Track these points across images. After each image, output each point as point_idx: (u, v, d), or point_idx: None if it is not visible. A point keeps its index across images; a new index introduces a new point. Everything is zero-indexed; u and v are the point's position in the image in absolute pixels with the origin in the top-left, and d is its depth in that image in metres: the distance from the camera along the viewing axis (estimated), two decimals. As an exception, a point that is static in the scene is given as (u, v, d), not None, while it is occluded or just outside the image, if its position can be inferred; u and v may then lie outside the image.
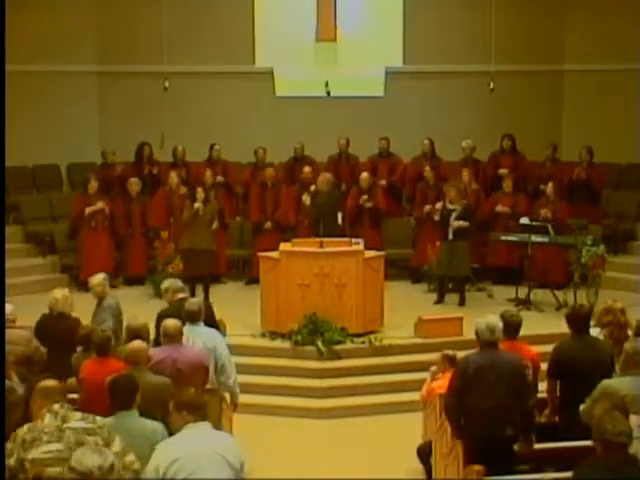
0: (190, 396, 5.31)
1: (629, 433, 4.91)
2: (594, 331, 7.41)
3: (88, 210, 13.09)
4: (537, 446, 6.53)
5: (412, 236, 13.80)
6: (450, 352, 8.44)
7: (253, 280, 12.96)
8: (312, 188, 12.51)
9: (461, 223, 12.02)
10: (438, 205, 12.37)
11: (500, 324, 6.60)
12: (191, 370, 7.04)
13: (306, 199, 12.70)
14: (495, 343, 6.52)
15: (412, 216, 13.85)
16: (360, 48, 15.19)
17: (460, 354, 9.64)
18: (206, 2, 15.11)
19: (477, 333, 6.58)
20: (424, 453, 7.92)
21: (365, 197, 13.35)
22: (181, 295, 8.57)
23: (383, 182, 14.06)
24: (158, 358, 6.97)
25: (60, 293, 8.59)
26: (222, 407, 8.01)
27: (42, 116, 14.69)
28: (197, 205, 12.21)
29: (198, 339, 7.58)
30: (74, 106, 15.01)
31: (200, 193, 12.31)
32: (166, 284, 8.82)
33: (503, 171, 13.82)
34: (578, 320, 7.07)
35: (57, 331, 8.23)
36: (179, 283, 8.79)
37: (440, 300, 12.29)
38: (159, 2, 14.50)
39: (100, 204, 13.13)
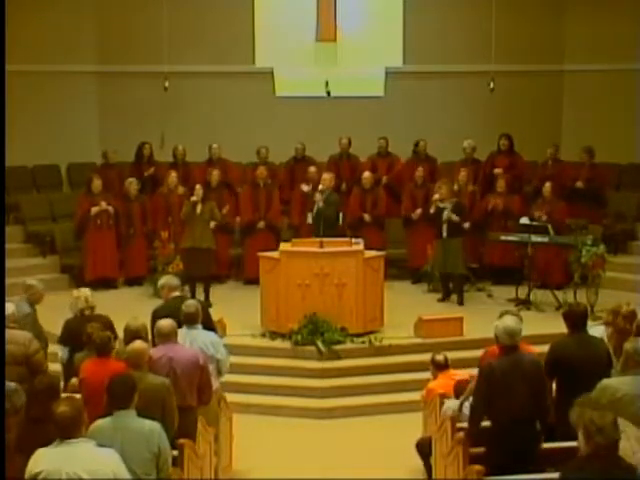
0: (57, 414, 5.03)
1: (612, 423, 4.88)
2: (599, 329, 7.43)
3: (94, 210, 13.11)
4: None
5: (405, 237, 13.78)
6: (439, 357, 8.43)
7: (247, 280, 13.02)
8: (320, 187, 12.50)
9: (455, 217, 12.05)
10: (436, 196, 12.31)
11: (519, 327, 6.52)
12: (187, 369, 7.02)
13: (319, 200, 12.48)
14: (516, 346, 6.48)
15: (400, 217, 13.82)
16: (360, 48, 15.19)
17: (459, 355, 9.72)
18: (206, 2, 15.12)
19: (496, 337, 6.53)
20: (423, 448, 7.93)
21: (367, 216, 13.39)
22: (176, 293, 8.55)
23: (385, 179, 14.11)
24: (154, 358, 6.94)
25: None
26: (221, 407, 8.02)
27: (42, 116, 14.69)
28: (193, 198, 12.21)
29: (195, 344, 7.54)
30: (74, 106, 15.02)
31: (198, 190, 12.30)
32: (162, 281, 8.81)
33: (498, 171, 13.82)
34: (575, 318, 7.07)
35: None
36: (175, 280, 8.75)
37: (445, 298, 12.33)
38: (159, 2, 14.49)
39: (104, 204, 13.14)
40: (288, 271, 10.69)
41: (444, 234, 12.15)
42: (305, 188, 13.47)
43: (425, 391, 8.39)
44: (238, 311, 11.42)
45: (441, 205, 12.20)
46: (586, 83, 15.09)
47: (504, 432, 6.34)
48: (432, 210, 12.32)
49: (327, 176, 12.81)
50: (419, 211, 13.32)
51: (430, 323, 10.80)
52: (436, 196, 12.30)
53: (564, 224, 12.67)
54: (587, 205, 13.48)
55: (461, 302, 12.17)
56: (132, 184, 13.61)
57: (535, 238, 12.05)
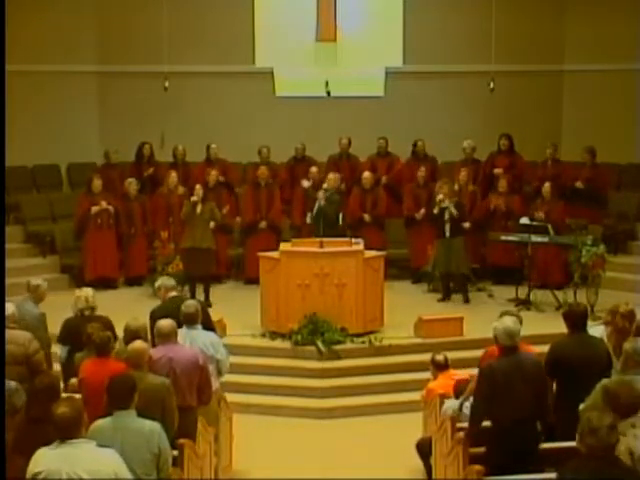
0: (57, 414, 5.03)
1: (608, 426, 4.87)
2: (599, 329, 7.43)
3: (94, 209, 13.12)
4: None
5: (406, 237, 13.77)
6: (439, 357, 8.42)
7: (248, 280, 13.02)
8: (324, 185, 12.53)
9: (455, 211, 12.09)
10: (440, 197, 12.33)
11: (518, 328, 6.52)
12: (187, 370, 7.02)
13: (321, 198, 12.42)
14: (515, 347, 6.48)
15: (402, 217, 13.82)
16: (360, 48, 15.19)
17: (459, 355, 9.72)
18: (206, 2, 15.12)
19: (496, 338, 6.52)
20: (423, 448, 7.93)
21: (367, 216, 13.41)
22: (173, 293, 8.57)
23: (384, 179, 14.12)
24: (154, 358, 6.94)
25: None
26: (221, 407, 8.02)
27: (42, 116, 14.69)
28: (194, 198, 12.20)
29: (195, 344, 7.53)
30: (74, 106, 15.02)
31: (198, 190, 12.29)
32: (159, 282, 8.84)
33: (498, 171, 13.82)
34: (575, 318, 7.08)
35: None
36: (171, 281, 8.78)
37: (445, 298, 12.35)
38: (159, 2, 14.49)
39: (104, 203, 13.15)
40: (288, 271, 10.68)
41: (447, 234, 12.18)
42: (305, 184, 13.45)
43: (425, 391, 8.39)
44: (238, 311, 11.42)
45: (443, 205, 12.21)
46: (586, 83, 15.09)
47: (504, 432, 6.34)
48: (436, 211, 12.31)
49: (332, 176, 12.83)
50: (423, 211, 13.29)
51: (430, 323, 10.80)
52: (440, 196, 12.29)
53: (564, 224, 12.69)
54: (587, 205, 13.48)
55: (467, 300, 12.22)
56: (132, 184, 13.62)
57: (535, 238, 12.05)
